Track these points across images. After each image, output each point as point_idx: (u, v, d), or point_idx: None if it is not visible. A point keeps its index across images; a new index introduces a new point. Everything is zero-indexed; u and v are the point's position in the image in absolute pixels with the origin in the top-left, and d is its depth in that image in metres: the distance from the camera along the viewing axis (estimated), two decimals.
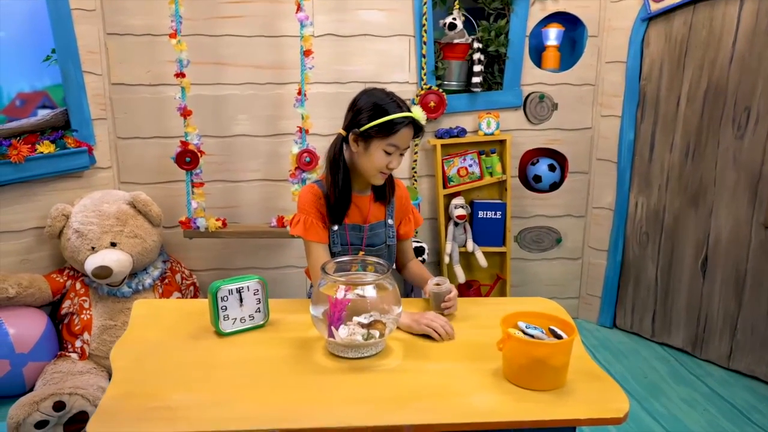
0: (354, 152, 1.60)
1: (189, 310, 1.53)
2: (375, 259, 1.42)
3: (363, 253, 1.67)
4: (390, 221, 1.73)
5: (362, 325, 1.31)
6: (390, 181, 1.71)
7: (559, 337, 1.24)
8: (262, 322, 1.46)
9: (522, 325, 1.27)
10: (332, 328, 1.29)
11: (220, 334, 1.40)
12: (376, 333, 1.31)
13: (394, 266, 1.92)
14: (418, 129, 1.59)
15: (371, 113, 1.55)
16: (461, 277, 2.89)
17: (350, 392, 1.19)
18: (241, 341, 1.38)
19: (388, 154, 1.56)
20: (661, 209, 2.79)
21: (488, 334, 1.39)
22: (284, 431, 1.07)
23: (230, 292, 1.40)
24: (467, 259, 2.97)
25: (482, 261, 2.89)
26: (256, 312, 1.45)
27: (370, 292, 1.31)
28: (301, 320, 1.45)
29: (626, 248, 2.96)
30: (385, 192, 1.70)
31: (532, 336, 1.25)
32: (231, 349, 1.35)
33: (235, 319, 1.42)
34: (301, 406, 1.13)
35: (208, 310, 1.40)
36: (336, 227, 1.65)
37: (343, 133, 1.62)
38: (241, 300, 1.42)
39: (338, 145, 1.63)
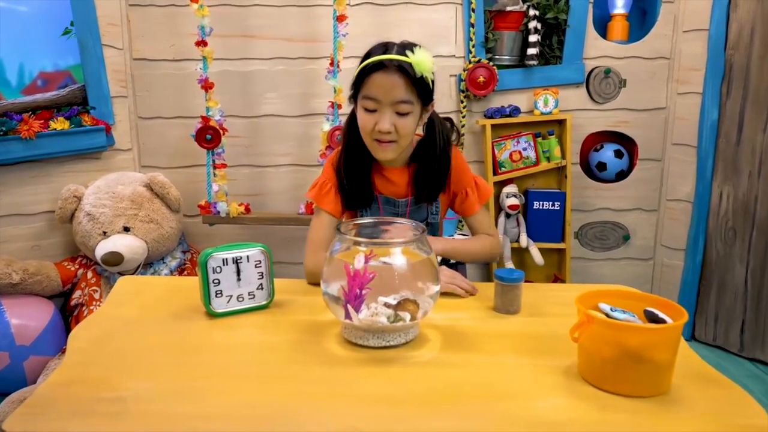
0: None
1: (178, 286, 1.25)
2: (402, 220, 1.11)
3: None
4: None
5: (388, 306, 1.00)
6: (438, 159, 1.38)
7: (660, 322, 0.89)
8: (264, 302, 1.16)
9: (605, 307, 0.93)
10: (349, 307, 0.99)
11: (211, 314, 1.11)
12: (407, 315, 1.00)
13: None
14: (407, 74, 1.22)
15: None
16: None
17: (369, 389, 0.88)
18: (236, 323, 1.09)
19: (369, 111, 1.26)
20: (751, 200, 2.37)
21: (555, 324, 1.07)
22: None
23: (225, 262, 1.11)
24: (520, 255, 2.61)
25: (538, 258, 2.53)
26: (257, 289, 1.15)
27: (398, 260, 1.00)
28: (313, 302, 1.16)
29: (708, 247, 2.54)
30: (427, 169, 1.38)
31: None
32: (221, 332, 1.05)
33: (231, 296, 1.12)
34: (301, 404, 0.83)
35: (198, 285, 1.12)
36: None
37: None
38: (238, 273, 1.13)
39: (349, 117, 1.38)
